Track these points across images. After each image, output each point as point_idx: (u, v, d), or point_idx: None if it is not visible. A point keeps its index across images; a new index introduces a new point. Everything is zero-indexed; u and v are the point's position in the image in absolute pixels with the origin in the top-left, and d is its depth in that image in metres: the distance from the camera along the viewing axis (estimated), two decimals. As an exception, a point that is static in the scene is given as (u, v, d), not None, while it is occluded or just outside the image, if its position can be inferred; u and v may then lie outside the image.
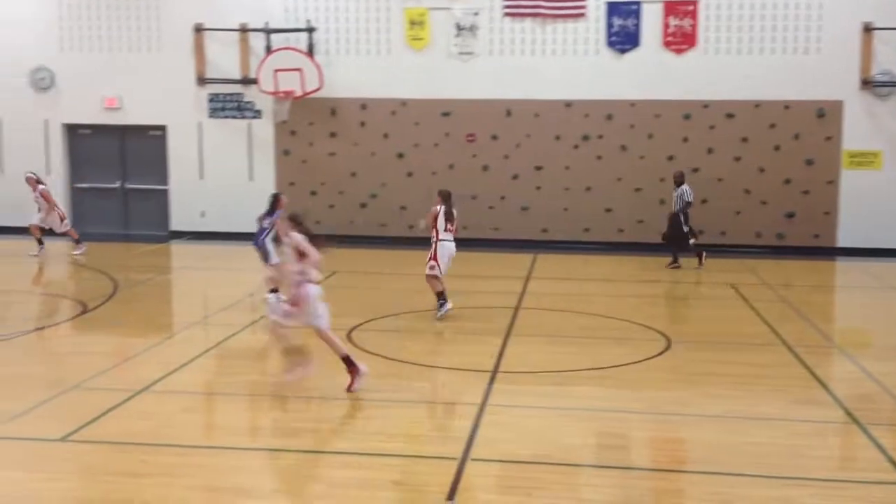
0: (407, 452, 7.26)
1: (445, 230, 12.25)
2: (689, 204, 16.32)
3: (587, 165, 18.71)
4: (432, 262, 12.03)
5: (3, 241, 18.83)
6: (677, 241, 16.37)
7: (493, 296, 13.80)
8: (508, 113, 18.69)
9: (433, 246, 12.19)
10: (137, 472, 6.62)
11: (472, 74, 18.64)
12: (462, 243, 18.38)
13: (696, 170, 18.39)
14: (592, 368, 9.75)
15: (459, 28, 18.56)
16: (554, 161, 18.72)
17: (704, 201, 18.48)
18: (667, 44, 18.36)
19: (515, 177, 18.83)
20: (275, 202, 13.19)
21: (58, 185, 19.75)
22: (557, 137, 18.69)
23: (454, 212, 12.45)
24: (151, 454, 6.98)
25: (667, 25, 18.32)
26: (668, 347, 10.66)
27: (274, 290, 12.50)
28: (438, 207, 12.28)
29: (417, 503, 6.24)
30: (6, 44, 19.32)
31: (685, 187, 16.43)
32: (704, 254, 16.41)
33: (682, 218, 16.26)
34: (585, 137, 18.65)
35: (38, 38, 19.33)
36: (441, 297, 12.01)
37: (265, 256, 12.90)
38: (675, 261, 16.37)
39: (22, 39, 19.31)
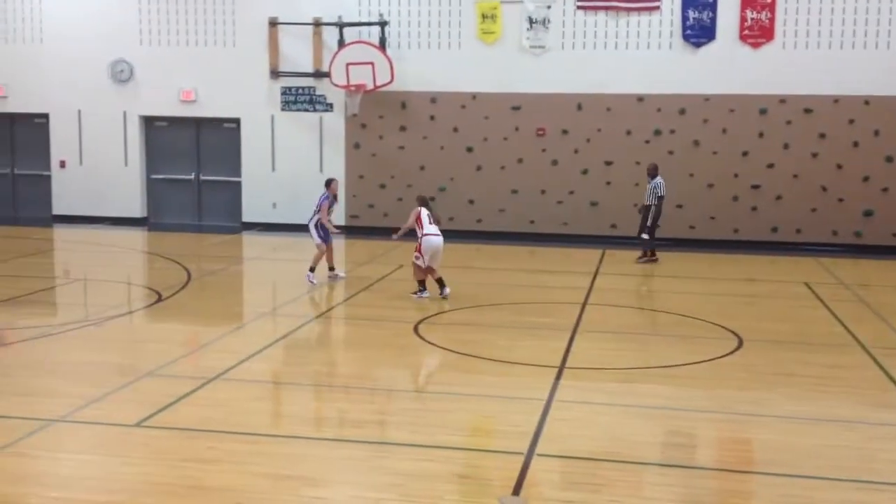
0: (472, 446, 7.28)
1: (430, 224, 12.98)
2: (661, 198, 16.17)
3: (658, 160, 18.40)
4: (417, 254, 12.86)
5: (83, 231, 19.38)
6: (648, 231, 16.26)
7: (560, 291, 13.72)
8: (579, 107, 18.54)
9: (419, 240, 12.91)
10: (207, 459, 6.75)
11: (543, 68, 18.54)
12: (529, 238, 18.48)
13: (770, 165, 18.04)
14: (661, 366, 9.63)
15: (531, 21, 18.47)
16: (625, 156, 18.53)
17: (779, 198, 18.14)
18: (743, 37, 18.00)
19: (585, 172, 18.68)
20: (327, 186, 14.24)
21: (134, 176, 20.27)
22: (629, 132, 18.49)
23: (434, 212, 13.37)
24: (221, 441, 7.11)
25: (744, 19, 17.96)
26: (739, 346, 10.47)
27: (311, 269, 13.67)
28: (419, 209, 13.11)
29: (482, 497, 6.24)
30: (87, 37, 19.85)
31: (659, 180, 16.25)
32: (656, 254, 16.29)
33: (653, 211, 16.12)
34: (657, 132, 18.41)
35: (117, 31, 19.81)
36: (421, 284, 12.86)
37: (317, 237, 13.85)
38: (653, 254, 16.30)
39: (102, 33, 19.81)
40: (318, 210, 13.85)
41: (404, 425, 7.66)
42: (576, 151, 18.68)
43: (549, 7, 18.39)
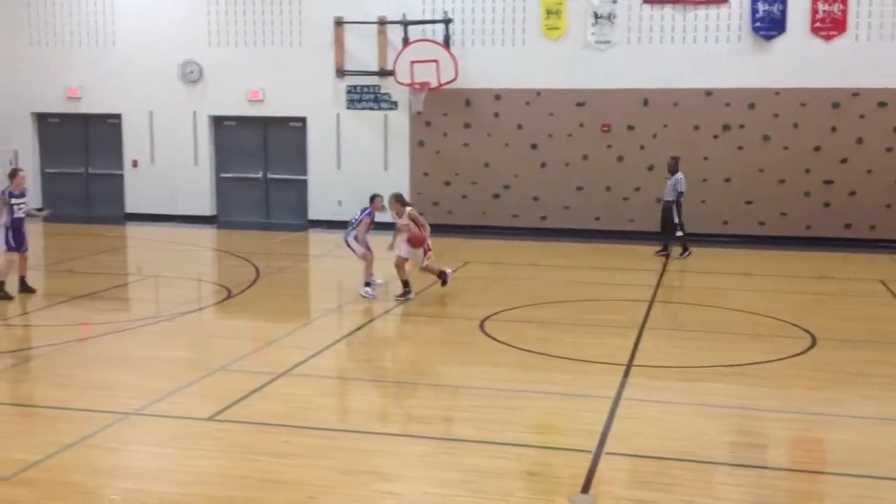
0: (540, 443, 7.26)
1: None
2: (681, 193, 15.98)
3: (727, 156, 18.18)
4: (430, 253, 12.80)
5: (155, 228, 19.79)
6: (666, 230, 16.13)
7: (626, 288, 13.60)
8: (645, 102, 18.35)
9: (428, 239, 12.72)
10: (280, 453, 6.85)
11: (608, 63, 18.38)
12: (595, 234, 18.33)
13: (843, 160, 17.64)
14: (731, 365, 9.48)
15: (597, 17, 18.32)
16: (692, 151, 18.26)
17: (853, 193, 17.72)
18: (815, 30, 17.61)
19: (651, 168, 18.47)
20: (371, 202, 13.24)
21: (204, 174, 20.64)
22: (696, 127, 18.23)
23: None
24: (293, 435, 7.22)
25: (815, 11, 17.56)
26: (812, 345, 10.26)
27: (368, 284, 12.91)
28: (410, 209, 12.79)
29: (551, 494, 6.22)
30: (158, 39, 20.26)
31: (679, 175, 16.02)
32: (689, 248, 16.17)
33: (675, 207, 15.94)
34: (726, 127, 18.12)
35: (187, 33, 20.18)
36: (407, 285, 12.63)
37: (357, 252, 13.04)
38: (665, 249, 16.17)
39: (172, 35, 20.21)
40: (357, 224, 12.94)
41: (472, 422, 7.67)
42: (642, 147, 18.48)
43: (614, 2, 18.22)
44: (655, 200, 18.45)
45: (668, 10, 18.12)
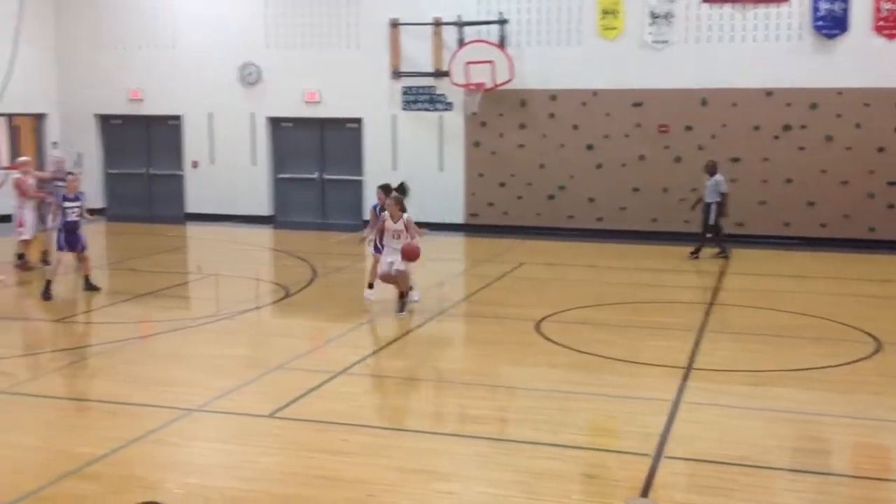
0: (598, 446, 7.22)
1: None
2: (725, 194, 15.80)
3: (788, 157, 17.88)
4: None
5: (214, 228, 20.08)
6: (707, 231, 15.97)
7: (685, 290, 13.46)
8: (704, 102, 18.13)
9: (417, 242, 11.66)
10: (338, 451, 6.91)
11: (666, 63, 18.20)
12: (652, 236, 18.15)
13: (909, 162, 17.24)
14: (793, 369, 9.33)
15: (654, 16, 18.15)
16: (752, 152, 18.01)
17: (918, 195, 17.32)
18: (878, 28, 17.24)
19: (709, 168, 18.22)
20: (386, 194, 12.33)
21: (262, 175, 20.89)
22: (756, 128, 17.96)
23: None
24: (350, 434, 7.27)
25: (878, 9, 17.19)
26: (877, 350, 10.04)
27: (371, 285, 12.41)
28: (408, 216, 11.72)
29: (608, 498, 6.18)
30: (217, 42, 20.56)
31: (719, 177, 15.87)
32: (700, 251, 16.02)
33: (715, 208, 15.79)
34: (787, 127, 17.83)
35: (246, 35, 20.44)
36: (404, 295, 11.71)
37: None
38: (723, 251, 15.99)
39: (231, 37, 20.49)
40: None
41: (528, 423, 7.66)
42: (700, 148, 18.26)
43: (672, 1, 18.03)
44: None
45: (727, 8, 17.87)
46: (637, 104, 18.46)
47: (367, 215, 20.13)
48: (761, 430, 7.52)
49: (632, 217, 18.71)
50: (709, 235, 15.99)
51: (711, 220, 15.91)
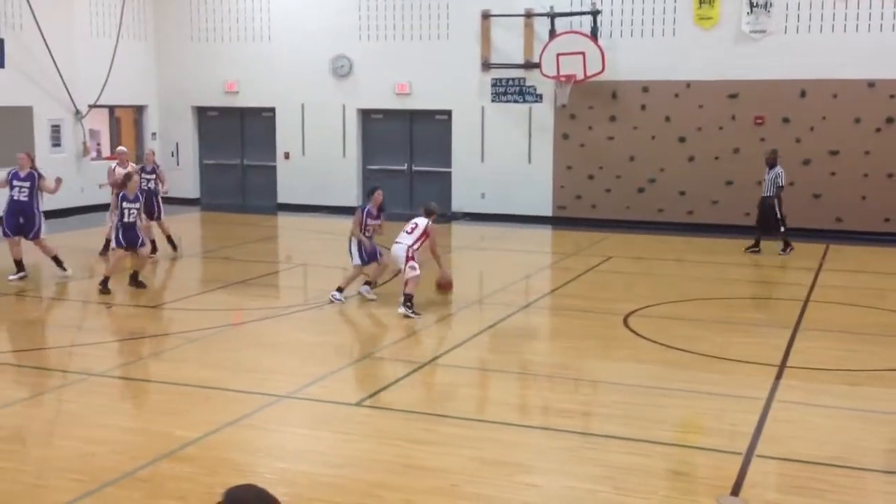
0: (686, 443, 7.11)
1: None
2: (781, 188, 15.26)
3: (891, 150, 17.24)
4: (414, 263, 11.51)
5: (304, 219, 20.41)
6: (768, 226, 15.41)
7: (779, 287, 13.13)
8: (802, 94, 17.61)
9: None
10: (423, 440, 6.96)
11: (763, 53, 17.74)
12: (744, 231, 17.71)
13: None
14: (891, 369, 9.02)
15: (752, 5, 17.69)
16: (852, 145, 17.43)
17: None
18: None
19: (807, 162, 17.73)
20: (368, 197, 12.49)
21: (351, 166, 21.14)
22: (857, 120, 17.37)
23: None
24: (435, 424, 7.32)
25: None
26: (983, 352, 9.63)
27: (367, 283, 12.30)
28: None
29: (698, 496, 6.08)
30: (310, 34, 20.86)
31: (779, 169, 15.29)
32: (791, 244, 15.47)
33: (776, 202, 15.25)
34: (890, 120, 17.19)
35: (338, 28, 20.69)
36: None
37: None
38: (757, 245, 15.53)
39: (324, 30, 20.76)
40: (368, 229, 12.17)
41: (615, 418, 7.58)
42: (797, 140, 17.76)
43: (770, -10, 17.57)
44: (812, 196, 17.76)
45: (828, -3, 17.32)
46: (732, 95, 18.05)
47: (455, 206, 20.33)
48: (857, 431, 7.30)
49: (724, 211, 18.31)
50: (783, 229, 15.50)
51: (779, 214, 15.42)
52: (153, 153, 15.98)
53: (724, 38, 17.97)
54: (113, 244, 13.03)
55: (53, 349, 9.84)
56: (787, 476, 6.41)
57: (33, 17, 18.77)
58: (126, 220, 12.49)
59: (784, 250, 15.50)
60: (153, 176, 14.97)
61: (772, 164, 15.57)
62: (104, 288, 12.23)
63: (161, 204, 15.14)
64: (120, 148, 15.90)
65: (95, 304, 11.96)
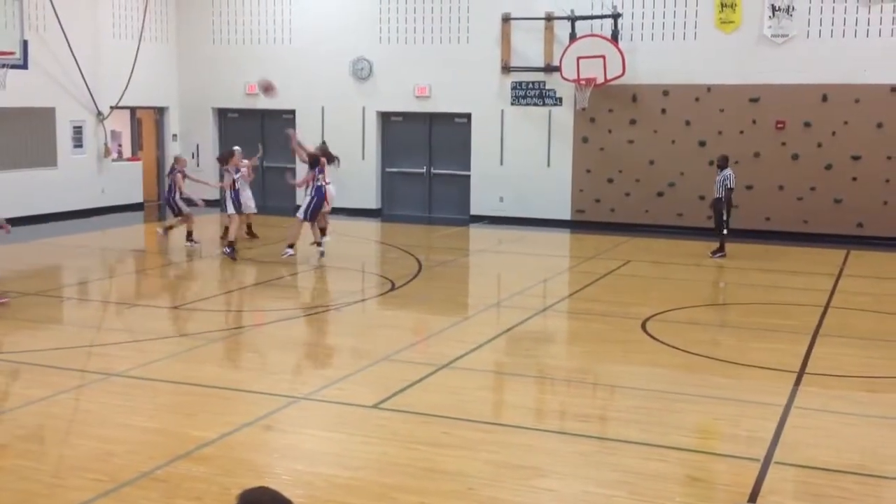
0: (704, 449, 7.07)
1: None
2: (731, 189, 15.27)
3: (913, 156, 17.11)
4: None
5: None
6: (717, 226, 15.48)
7: (799, 292, 13.03)
8: (824, 98, 17.49)
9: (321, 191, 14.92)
10: (440, 443, 6.96)
11: (785, 58, 17.64)
12: (767, 236, 17.65)
13: None
14: (914, 377, 8.94)
15: (775, 9, 17.60)
16: (874, 150, 17.30)
17: None
18: None
19: (829, 167, 17.62)
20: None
21: (370, 169, 21.18)
22: (879, 125, 17.24)
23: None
24: (452, 427, 7.31)
25: None
26: None
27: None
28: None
29: (714, 502, 6.05)
30: (331, 36, 20.93)
31: (728, 171, 15.30)
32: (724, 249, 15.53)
33: (725, 205, 15.30)
34: (913, 125, 17.06)
35: (359, 30, 20.75)
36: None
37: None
38: (722, 249, 15.52)
39: (345, 32, 20.83)
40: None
41: (632, 423, 7.55)
42: (819, 145, 17.65)
43: (792, -6, 17.47)
44: (833, 201, 17.62)
45: (851, 2, 17.19)
46: (753, 100, 17.95)
47: (474, 209, 20.32)
48: (878, 438, 7.24)
49: (744, 215, 18.16)
50: (725, 231, 15.47)
51: (726, 216, 15.40)
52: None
53: (746, 42, 17.88)
54: (231, 210, 15.60)
55: (73, 349, 9.91)
56: (806, 483, 6.37)
57: (57, 19, 18.93)
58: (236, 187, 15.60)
59: (715, 253, 15.49)
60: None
61: (722, 167, 15.55)
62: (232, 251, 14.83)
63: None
64: (235, 147, 16.88)
65: (115, 305, 12.04)
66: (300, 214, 14.82)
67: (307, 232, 15.28)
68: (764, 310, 11.87)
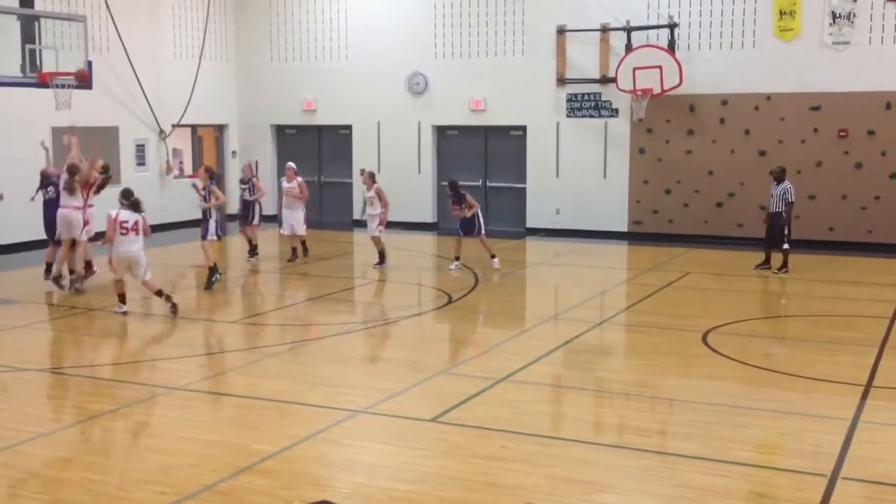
0: (768, 464, 6.94)
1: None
2: (791, 203, 14.83)
3: (982, 162, 16.65)
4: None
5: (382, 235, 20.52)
6: (775, 241, 14.99)
7: (864, 303, 12.74)
8: (888, 106, 17.12)
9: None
10: (499, 457, 6.94)
11: (846, 65, 17.32)
12: (830, 246, 17.30)
13: None
14: None
15: (835, 16, 17.30)
16: (941, 158, 16.87)
17: None
18: None
19: (893, 175, 17.23)
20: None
21: (426, 182, 21.27)
22: (945, 132, 16.83)
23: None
24: (510, 440, 7.29)
25: None
26: None
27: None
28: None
29: (779, 518, 5.94)
30: (387, 52, 21.10)
31: (787, 184, 14.82)
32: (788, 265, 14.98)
33: (785, 218, 14.84)
34: (980, 131, 16.61)
35: (414, 45, 20.88)
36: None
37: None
38: (767, 262, 15.08)
39: (401, 48, 20.98)
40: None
41: (693, 437, 7.44)
42: (883, 154, 17.26)
43: (854, 0, 17.13)
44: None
45: (915, 6, 16.82)
46: (814, 108, 17.65)
47: (530, 222, 20.26)
48: (950, 455, 7.03)
49: (807, 226, 17.84)
50: (786, 246, 15.00)
51: (788, 230, 14.98)
52: (250, 166, 17.57)
53: (806, 50, 17.60)
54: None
55: (137, 363, 10.10)
56: (874, 499, 6.22)
57: (120, 40, 19.39)
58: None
59: (780, 269, 15.00)
60: (248, 186, 16.94)
61: (780, 180, 15.15)
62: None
63: (256, 211, 16.91)
64: (290, 164, 17.26)
65: (178, 320, 12.24)
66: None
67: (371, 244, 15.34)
68: (828, 322, 11.63)
